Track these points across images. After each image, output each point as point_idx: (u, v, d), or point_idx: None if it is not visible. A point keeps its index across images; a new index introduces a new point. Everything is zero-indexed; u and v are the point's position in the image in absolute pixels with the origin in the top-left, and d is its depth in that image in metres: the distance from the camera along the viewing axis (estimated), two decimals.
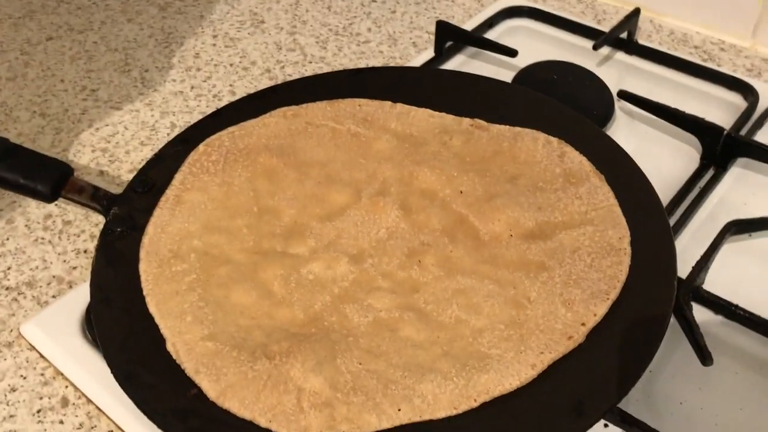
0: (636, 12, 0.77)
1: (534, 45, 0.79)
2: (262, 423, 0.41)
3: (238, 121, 0.59)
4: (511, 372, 0.42)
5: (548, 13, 0.82)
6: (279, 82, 0.77)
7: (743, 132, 0.65)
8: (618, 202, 0.51)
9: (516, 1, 0.84)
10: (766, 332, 0.49)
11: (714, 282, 0.51)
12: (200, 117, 0.63)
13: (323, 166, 0.56)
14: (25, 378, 0.51)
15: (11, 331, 0.54)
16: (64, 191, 0.54)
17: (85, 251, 0.60)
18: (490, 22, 0.81)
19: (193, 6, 0.91)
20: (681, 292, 0.48)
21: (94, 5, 0.91)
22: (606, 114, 0.68)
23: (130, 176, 0.58)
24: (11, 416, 0.49)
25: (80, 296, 0.53)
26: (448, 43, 0.77)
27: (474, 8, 0.89)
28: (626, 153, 0.55)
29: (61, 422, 0.48)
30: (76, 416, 0.49)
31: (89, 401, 0.49)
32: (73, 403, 0.49)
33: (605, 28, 0.78)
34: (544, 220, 0.51)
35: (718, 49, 0.80)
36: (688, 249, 0.54)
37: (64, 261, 0.59)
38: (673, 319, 0.45)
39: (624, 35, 0.77)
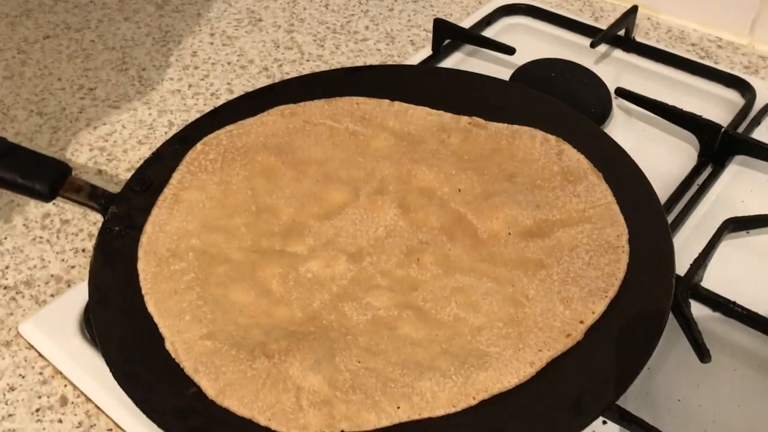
0: (633, 9, 0.77)
1: (532, 43, 0.79)
2: (262, 421, 0.41)
3: (235, 119, 0.59)
4: (510, 370, 0.42)
5: (546, 11, 0.82)
6: (277, 80, 0.76)
7: (741, 129, 0.65)
8: (616, 199, 0.51)
9: None
10: (763, 329, 0.49)
11: (712, 279, 0.51)
12: (198, 116, 0.63)
13: (321, 165, 0.56)
14: (23, 377, 0.51)
15: (10, 330, 0.54)
16: (62, 190, 0.54)
17: (84, 250, 0.60)
18: (488, 20, 0.81)
19: (191, 4, 0.91)
20: (679, 289, 0.48)
21: (91, 4, 0.91)
22: (604, 112, 0.68)
23: (128, 175, 0.58)
24: (10, 415, 0.49)
25: (79, 295, 0.53)
26: (446, 41, 0.77)
27: (471, 6, 0.89)
28: (624, 151, 0.55)
29: (60, 421, 0.48)
30: (75, 415, 0.49)
31: (88, 400, 0.49)
32: (72, 402, 0.49)
33: (603, 25, 0.78)
34: (542, 218, 0.51)
35: (715, 47, 0.80)
36: (686, 246, 0.54)
37: (63, 260, 0.59)
38: (671, 317, 0.46)
39: (621, 33, 0.77)
